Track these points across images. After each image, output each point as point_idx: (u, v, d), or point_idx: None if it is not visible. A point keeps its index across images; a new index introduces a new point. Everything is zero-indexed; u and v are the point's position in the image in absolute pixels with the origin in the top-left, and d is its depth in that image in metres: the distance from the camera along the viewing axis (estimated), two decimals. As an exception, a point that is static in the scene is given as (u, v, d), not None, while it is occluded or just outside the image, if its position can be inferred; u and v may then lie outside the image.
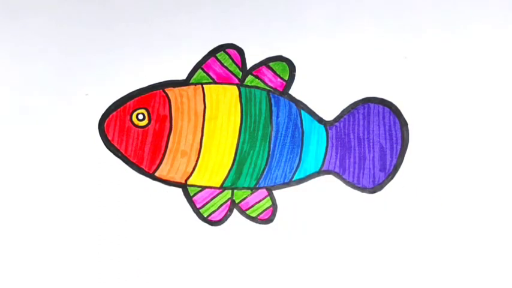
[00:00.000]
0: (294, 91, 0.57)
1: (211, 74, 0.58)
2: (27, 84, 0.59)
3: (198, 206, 0.57)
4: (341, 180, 0.57)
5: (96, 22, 0.59)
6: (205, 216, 0.57)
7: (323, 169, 0.57)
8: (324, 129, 0.57)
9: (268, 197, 0.57)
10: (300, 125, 0.57)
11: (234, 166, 0.57)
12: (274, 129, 0.57)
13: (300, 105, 0.57)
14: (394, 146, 0.57)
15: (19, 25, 0.59)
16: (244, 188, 0.57)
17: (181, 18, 0.59)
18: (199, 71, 0.58)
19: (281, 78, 0.57)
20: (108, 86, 0.58)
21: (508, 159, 0.56)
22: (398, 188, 0.57)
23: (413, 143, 0.57)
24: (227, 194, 0.57)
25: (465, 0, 0.57)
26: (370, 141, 0.57)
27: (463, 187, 0.56)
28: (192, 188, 0.57)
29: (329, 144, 0.57)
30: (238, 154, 0.57)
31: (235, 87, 0.57)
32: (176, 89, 0.57)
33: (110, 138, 0.57)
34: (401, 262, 0.57)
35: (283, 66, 0.57)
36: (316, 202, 0.57)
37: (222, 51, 0.58)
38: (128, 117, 0.57)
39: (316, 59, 0.57)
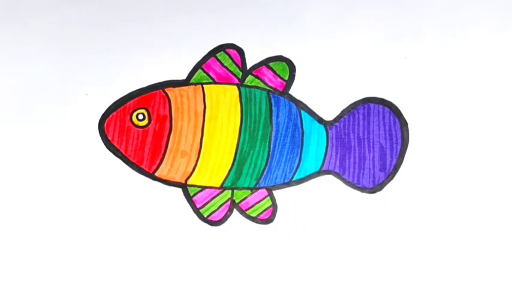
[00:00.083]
0: (294, 91, 0.57)
1: (211, 74, 0.58)
2: (27, 84, 0.59)
3: (198, 206, 0.57)
4: (341, 180, 0.57)
5: (96, 22, 0.59)
6: (205, 216, 0.57)
7: (323, 169, 0.57)
8: (324, 129, 0.57)
9: (268, 197, 0.57)
10: (300, 125, 0.57)
11: (234, 166, 0.57)
12: (274, 129, 0.57)
13: (300, 105, 0.57)
14: (394, 146, 0.57)
15: (19, 25, 0.59)
16: (244, 188, 0.57)
17: (181, 18, 0.59)
18: (199, 71, 0.58)
19: (281, 78, 0.57)
20: (108, 86, 0.58)
21: (507, 159, 0.56)
22: (398, 188, 0.57)
23: (413, 143, 0.57)
24: (227, 194, 0.57)
25: (465, 2, 0.57)
26: (370, 141, 0.57)
27: (463, 187, 0.56)
28: (192, 188, 0.57)
29: (329, 144, 0.57)
30: (238, 154, 0.57)
31: (235, 87, 0.57)
32: (176, 89, 0.57)
33: (110, 138, 0.57)
34: (401, 262, 0.56)
35: (283, 66, 0.57)
36: (316, 202, 0.57)
37: (222, 51, 0.58)
38: (128, 117, 0.57)
39: (316, 59, 0.57)
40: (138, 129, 0.57)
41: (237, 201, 0.57)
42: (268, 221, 0.57)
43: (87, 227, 0.58)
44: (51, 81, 0.59)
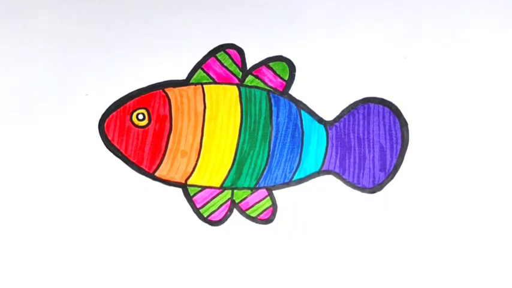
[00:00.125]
0: (294, 91, 0.57)
1: (211, 74, 0.58)
2: (27, 84, 0.59)
3: (198, 206, 0.57)
4: (341, 180, 0.57)
5: (96, 22, 0.59)
6: (205, 216, 0.57)
7: (323, 169, 0.57)
8: (324, 129, 0.57)
9: (268, 197, 0.57)
10: (300, 125, 0.57)
11: (234, 166, 0.57)
12: (274, 129, 0.57)
13: (300, 105, 0.57)
14: (394, 146, 0.57)
15: (19, 25, 0.59)
16: (244, 188, 0.57)
17: (181, 18, 0.59)
18: (199, 71, 0.58)
19: (281, 78, 0.57)
20: (108, 86, 0.58)
21: (507, 159, 0.56)
22: (398, 188, 0.57)
23: (413, 143, 0.57)
24: (227, 194, 0.57)
25: (465, 2, 0.57)
26: (370, 141, 0.57)
27: (463, 187, 0.56)
28: (192, 188, 0.57)
29: (329, 144, 0.57)
30: (238, 154, 0.57)
31: (235, 87, 0.57)
32: (176, 89, 0.57)
33: (110, 138, 0.57)
34: (401, 262, 0.56)
35: (283, 66, 0.57)
36: (316, 202, 0.57)
37: (222, 51, 0.58)
38: (128, 117, 0.57)
39: (316, 59, 0.57)
40: (138, 129, 0.57)
41: (237, 201, 0.57)
42: (268, 221, 0.57)
43: (87, 227, 0.58)
44: (51, 81, 0.59)
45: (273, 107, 0.57)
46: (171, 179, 0.57)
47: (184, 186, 0.57)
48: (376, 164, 0.57)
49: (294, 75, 0.57)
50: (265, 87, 0.57)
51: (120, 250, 0.58)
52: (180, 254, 0.58)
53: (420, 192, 0.56)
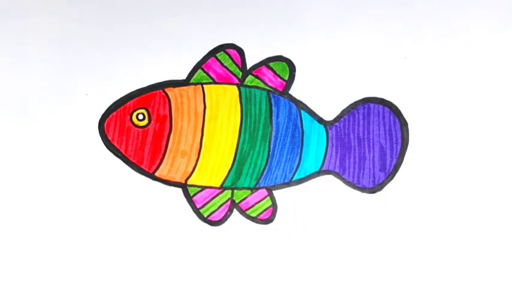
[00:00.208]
0: (294, 91, 0.57)
1: (211, 74, 0.58)
2: (27, 84, 0.59)
3: (198, 206, 0.57)
4: (341, 180, 0.57)
5: (96, 22, 0.59)
6: (205, 216, 0.57)
7: (323, 169, 0.57)
8: (324, 129, 0.57)
9: (268, 197, 0.57)
10: (300, 125, 0.57)
11: (234, 166, 0.57)
12: (274, 129, 0.57)
13: (300, 105, 0.57)
14: (394, 146, 0.57)
15: (19, 25, 0.59)
16: (244, 188, 0.57)
17: (181, 18, 0.59)
18: (199, 71, 0.58)
19: (281, 78, 0.57)
20: (108, 86, 0.58)
21: (507, 159, 0.56)
22: (398, 188, 0.57)
23: (413, 143, 0.57)
24: (227, 194, 0.57)
25: (465, 2, 0.57)
26: (370, 141, 0.57)
27: (463, 187, 0.56)
28: (192, 188, 0.57)
29: (329, 144, 0.57)
30: (238, 154, 0.57)
31: (235, 87, 0.57)
32: (176, 89, 0.57)
33: (110, 138, 0.57)
34: (401, 262, 0.56)
35: (283, 66, 0.57)
36: (316, 202, 0.57)
37: (222, 51, 0.58)
38: (128, 117, 0.57)
39: (316, 59, 0.57)
40: (138, 129, 0.57)
41: (237, 201, 0.57)
42: (268, 221, 0.57)
43: (87, 227, 0.58)
44: (51, 81, 0.59)
45: (273, 107, 0.57)
46: (171, 179, 0.57)
47: (184, 186, 0.57)
48: (376, 164, 0.57)
49: (294, 75, 0.57)
50: (265, 87, 0.57)
51: (120, 250, 0.58)
52: (180, 254, 0.58)
53: (420, 192, 0.56)
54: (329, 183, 0.57)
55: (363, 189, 0.57)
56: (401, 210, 0.56)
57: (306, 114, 0.57)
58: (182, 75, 0.58)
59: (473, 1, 0.57)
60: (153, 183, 0.57)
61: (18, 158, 0.58)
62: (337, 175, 0.57)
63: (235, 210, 0.57)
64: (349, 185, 0.57)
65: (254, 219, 0.57)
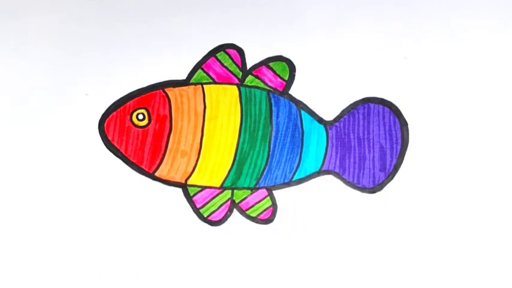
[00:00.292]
0: (294, 91, 0.57)
1: (211, 74, 0.58)
2: (27, 84, 0.59)
3: (198, 206, 0.57)
4: (341, 180, 0.57)
5: (96, 22, 0.59)
6: (205, 216, 0.57)
7: (323, 169, 0.57)
8: (324, 129, 0.57)
9: (268, 197, 0.57)
10: (300, 125, 0.57)
11: (234, 166, 0.57)
12: (274, 129, 0.57)
13: (300, 105, 0.57)
14: (394, 146, 0.57)
15: (19, 25, 0.59)
16: (244, 188, 0.57)
17: (181, 18, 0.59)
18: (199, 71, 0.58)
19: (281, 78, 0.57)
20: (108, 86, 0.58)
21: (507, 159, 0.56)
22: (398, 188, 0.57)
23: (413, 143, 0.57)
24: (227, 194, 0.57)
25: (465, 2, 0.57)
26: (370, 141, 0.57)
27: (463, 187, 0.56)
28: (192, 188, 0.57)
29: (329, 144, 0.57)
30: (238, 154, 0.57)
31: (235, 87, 0.57)
32: (176, 89, 0.57)
33: (110, 138, 0.57)
34: (401, 262, 0.56)
35: (283, 66, 0.57)
36: (316, 202, 0.57)
37: (222, 51, 0.58)
38: (128, 117, 0.57)
39: (316, 59, 0.57)
40: (138, 129, 0.57)
41: (237, 201, 0.57)
42: (268, 221, 0.57)
43: (87, 227, 0.58)
44: (51, 81, 0.59)
45: (273, 107, 0.57)
46: (171, 179, 0.57)
47: (184, 186, 0.57)
48: (376, 164, 0.57)
49: (294, 75, 0.57)
50: (265, 87, 0.57)
51: (120, 250, 0.58)
52: (180, 254, 0.58)
53: (420, 192, 0.56)
54: (329, 183, 0.57)
55: (363, 189, 0.57)
56: (401, 210, 0.56)
57: (306, 114, 0.57)
58: (182, 75, 0.58)
59: (473, 1, 0.57)
60: (153, 183, 0.57)
61: (19, 158, 0.58)
62: (337, 175, 0.57)
63: (235, 210, 0.57)
64: (349, 185, 0.57)
65: (254, 219, 0.57)
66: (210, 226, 0.57)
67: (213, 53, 0.58)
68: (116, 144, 0.57)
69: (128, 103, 0.58)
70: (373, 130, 0.57)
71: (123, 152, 0.57)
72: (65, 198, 0.58)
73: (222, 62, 0.58)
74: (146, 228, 0.58)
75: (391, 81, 0.57)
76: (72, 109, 0.58)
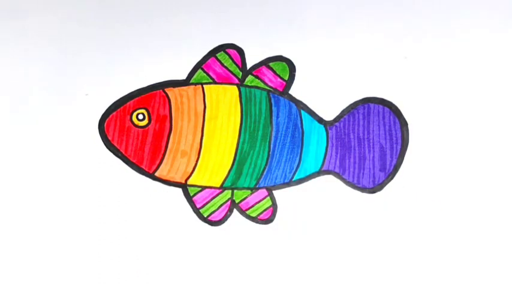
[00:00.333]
0: (294, 91, 0.57)
1: (211, 74, 0.58)
2: (27, 84, 0.59)
3: (198, 206, 0.57)
4: (341, 180, 0.57)
5: (96, 22, 0.59)
6: (205, 216, 0.57)
7: (323, 169, 0.57)
8: (324, 129, 0.57)
9: (268, 197, 0.57)
10: (300, 125, 0.57)
11: (234, 166, 0.57)
12: (274, 129, 0.57)
13: (300, 105, 0.57)
14: (394, 146, 0.57)
15: (19, 25, 0.59)
16: (244, 188, 0.57)
17: (181, 18, 0.59)
18: (199, 71, 0.58)
19: (281, 78, 0.57)
20: (108, 86, 0.58)
21: (507, 159, 0.56)
22: (398, 188, 0.57)
23: (413, 143, 0.57)
24: (227, 194, 0.57)
25: (465, 2, 0.57)
26: (370, 141, 0.57)
27: (463, 187, 0.56)
28: (192, 188, 0.57)
29: (329, 144, 0.57)
30: (238, 154, 0.57)
31: (235, 87, 0.57)
32: (176, 89, 0.57)
33: (110, 138, 0.57)
34: (401, 262, 0.56)
35: (283, 66, 0.57)
36: (316, 202, 0.57)
37: (222, 51, 0.58)
38: (128, 117, 0.57)
39: (316, 59, 0.57)
40: (138, 129, 0.57)
41: (237, 201, 0.57)
42: (268, 221, 0.57)
43: (87, 227, 0.58)
44: (51, 81, 0.59)
45: (273, 107, 0.57)
46: (171, 179, 0.57)
47: (184, 186, 0.57)
48: (376, 164, 0.57)
49: (294, 75, 0.57)
50: (265, 87, 0.57)
51: (120, 250, 0.58)
52: (180, 254, 0.58)
53: (420, 192, 0.56)
54: (329, 183, 0.57)
55: (363, 189, 0.57)
56: (401, 210, 0.56)
57: (306, 114, 0.57)
58: (182, 75, 0.58)
59: (473, 1, 0.57)
60: (153, 183, 0.57)
61: (19, 158, 0.58)
62: (337, 175, 0.57)
63: (235, 210, 0.57)
64: (349, 185, 0.57)
65: (254, 219, 0.57)
66: (210, 226, 0.57)
67: (213, 53, 0.58)
68: (116, 144, 0.57)
69: (128, 103, 0.58)
70: (373, 130, 0.57)
71: (123, 152, 0.57)
72: (65, 198, 0.58)
73: (222, 62, 0.58)
74: (146, 228, 0.58)
75: (391, 81, 0.57)
76: (72, 109, 0.58)
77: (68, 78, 0.59)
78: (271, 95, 0.57)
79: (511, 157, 0.56)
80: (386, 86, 0.57)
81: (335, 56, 0.57)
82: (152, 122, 0.57)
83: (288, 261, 0.57)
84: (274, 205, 0.57)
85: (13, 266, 0.58)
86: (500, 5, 0.57)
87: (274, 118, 0.57)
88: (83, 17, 0.59)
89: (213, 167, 0.57)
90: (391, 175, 0.57)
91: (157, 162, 0.57)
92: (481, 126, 0.56)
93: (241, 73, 0.57)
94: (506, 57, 0.57)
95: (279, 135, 0.57)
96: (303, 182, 0.57)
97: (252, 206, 0.57)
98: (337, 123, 0.57)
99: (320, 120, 0.57)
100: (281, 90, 0.57)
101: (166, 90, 0.57)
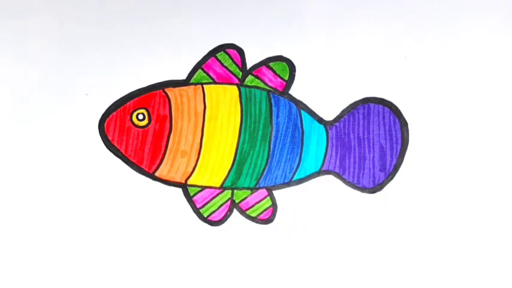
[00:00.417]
0: (294, 91, 0.57)
1: (211, 74, 0.58)
2: (27, 84, 0.59)
3: (198, 206, 0.57)
4: (341, 180, 0.57)
5: (96, 22, 0.59)
6: (205, 216, 0.57)
7: (323, 169, 0.57)
8: (324, 129, 0.57)
9: (268, 197, 0.57)
10: (300, 125, 0.57)
11: (234, 166, 0.57)
12: (274, 129, 0.57)
13: (300, 105, 0.57)
14: (394, 146, 0.57)
15: (19, 25, 0.59)
16: (244, 188, 0.57)
17: (181, 18, 0.59)
18: (199, 71, 0.58)
19: (281, 78, 0.57)
20: (108, 86, 0.58)
21: (507, 159, 0.56)
22: (398, 188, 0.57)
23: (413, 143, 0.57)
24: (227, 194, 0.57)
25: (465, 2, 0.57)
26: (370, 141, 0.57)
27: (463, 187, 0.56)
28: (192, 188, 0.57)
29: (329, 144, 0.57)
30: (238, 154, 0.57)
31: (235, 87, 0.57)
32: (176, 89, 0.57)
33: (110, 138, 0.57)
34: (401, 262, 0.56)
35: (283, 66, 0.57)
36: (316, 202, 0.57)
37: (222, 51, 0.58)
38: (128, 117, 0.57)
39: (316, 59, 0.57)
40: (138, 129, 0.57)
41: (237, 201, 0.57)
42: (268, 221, 0.57)
43: (87, 227, 0.58)
44: (51, 81, 0.59)
45: (273, 107, 0.57)
46: (171, 179, 0.57)
47: (184, 186, 0.57)
48: (376, 164, 0.57)
49: (294, 75, 0.57)
50: (265, 87, 0.57)
51: (120, 250, 0.58)
52: (180, 254, 0.58)
53: (420, 192, 0.56)
54: (329, 183, 0.57)
55: (363, 189, 0.57)
56: (401, 210, 0.56)
57: (306, 114, 0.57)
58: (182, 75, 0.58)
59: (473, 1, 0.57)
60: (153, 183, 0.57)
61: (19, 158, 0.58)
62: (337, 175, 0.57)
63: (235, 210, 0.57)
64: (349, 185, 0.57)
65: (254, 219, 0.57)
66: (210, 226, 0.57)
67: (213, 53, 0.58)
68: (116, 144, 0.57)
69: (128, 103, 0.58)
70: (373, 130, 0.57)
71: (123, 152, 0.57)
72: (65, 198, 0.58)
73: (222, 62, 0.58)
74: (146, 228, 0.58)
75: (391, 81, 0.57)
76: (72, 109, 0.58)
77: (68, 78, 0.59)
78: (271, 95, 0.57)
79: (510, 157, 0.56)
80: (386, 86, 0.57)
81: (335, 56, 0.57)
82: (152, 122, 0.57)
83: (288, 261, 0.57)
84: (274, 205, 0.57)
85: (13, 265, 0.58)
86: (500, 5, 0.57)
87: (274, 118, 0.57)
88: (83, 17, 0.59)
89: (213, 167, 0.57)
90: (391, 175, 0.57)
91: (158, 162, 0.57)
92: (481, 126, 0.56)
93: (241, 73, 0.57)
94: (506, 57, 0.57)
95: (279, 135, 0.57)
96: (303, 182, 0.57)
97: (252, 206, 0.57)
98: (337, 123, 0.57)
99: (320, 120, 0.57)
100: (281, 90, 0.57)
101: (166, 90, 0.57)
